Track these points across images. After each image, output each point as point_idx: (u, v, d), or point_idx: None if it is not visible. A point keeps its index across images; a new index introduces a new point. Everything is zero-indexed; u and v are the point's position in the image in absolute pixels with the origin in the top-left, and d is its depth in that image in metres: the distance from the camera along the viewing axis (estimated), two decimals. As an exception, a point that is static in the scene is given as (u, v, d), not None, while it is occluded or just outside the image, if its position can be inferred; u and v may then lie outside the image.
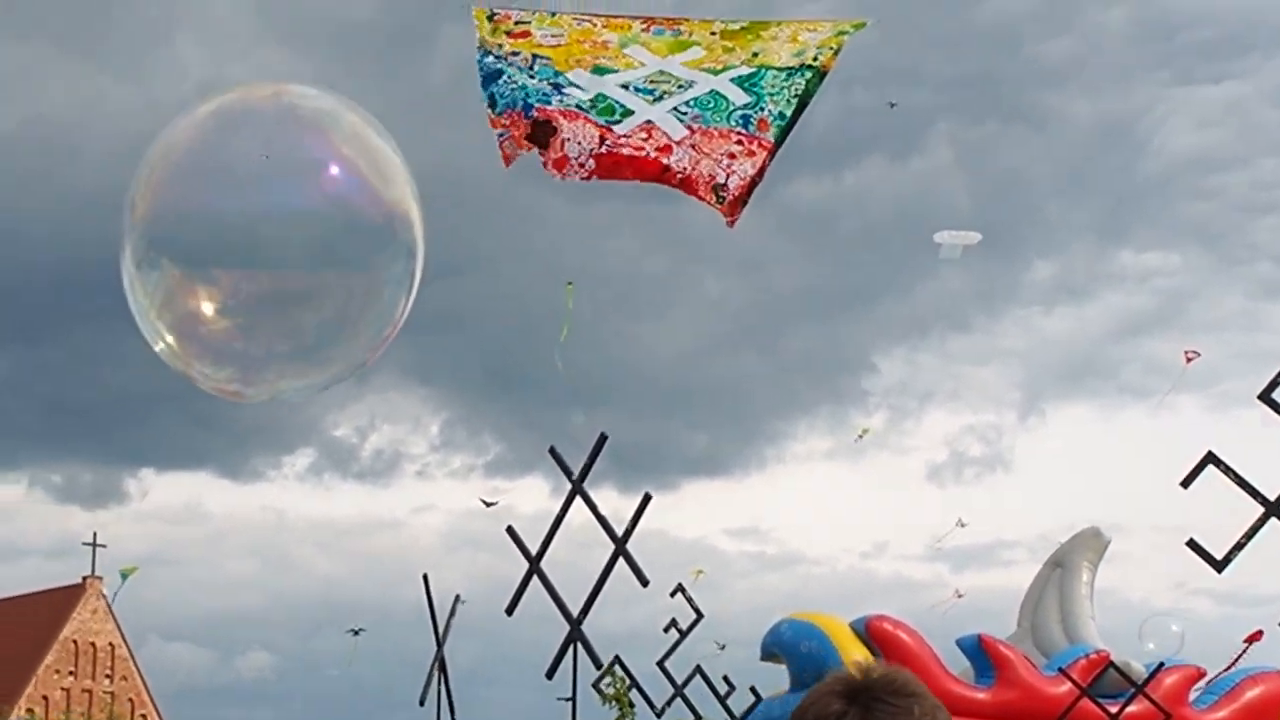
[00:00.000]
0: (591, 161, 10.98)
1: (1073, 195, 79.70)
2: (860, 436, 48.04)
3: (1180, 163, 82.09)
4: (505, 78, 11.15)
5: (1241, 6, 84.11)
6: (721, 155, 10.90)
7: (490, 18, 11.31)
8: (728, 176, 10.86)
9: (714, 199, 10.85)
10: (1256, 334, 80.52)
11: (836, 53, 11.09)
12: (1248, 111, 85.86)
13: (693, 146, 10.97)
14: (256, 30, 78.25)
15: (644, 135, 10.99)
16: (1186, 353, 32.41)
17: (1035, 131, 78.86)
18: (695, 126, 10.97)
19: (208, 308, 6.95)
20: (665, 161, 10.88)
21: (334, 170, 7.10)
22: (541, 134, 11.00)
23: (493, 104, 11.09)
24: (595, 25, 11.33)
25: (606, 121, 10.99)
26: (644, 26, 11.38)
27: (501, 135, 11.04)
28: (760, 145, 10.87)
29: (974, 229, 28.48)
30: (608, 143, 10.93)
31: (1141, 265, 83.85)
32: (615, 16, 11.52)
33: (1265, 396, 15.43)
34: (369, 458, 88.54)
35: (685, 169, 10.87)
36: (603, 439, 20.74)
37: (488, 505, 33.34)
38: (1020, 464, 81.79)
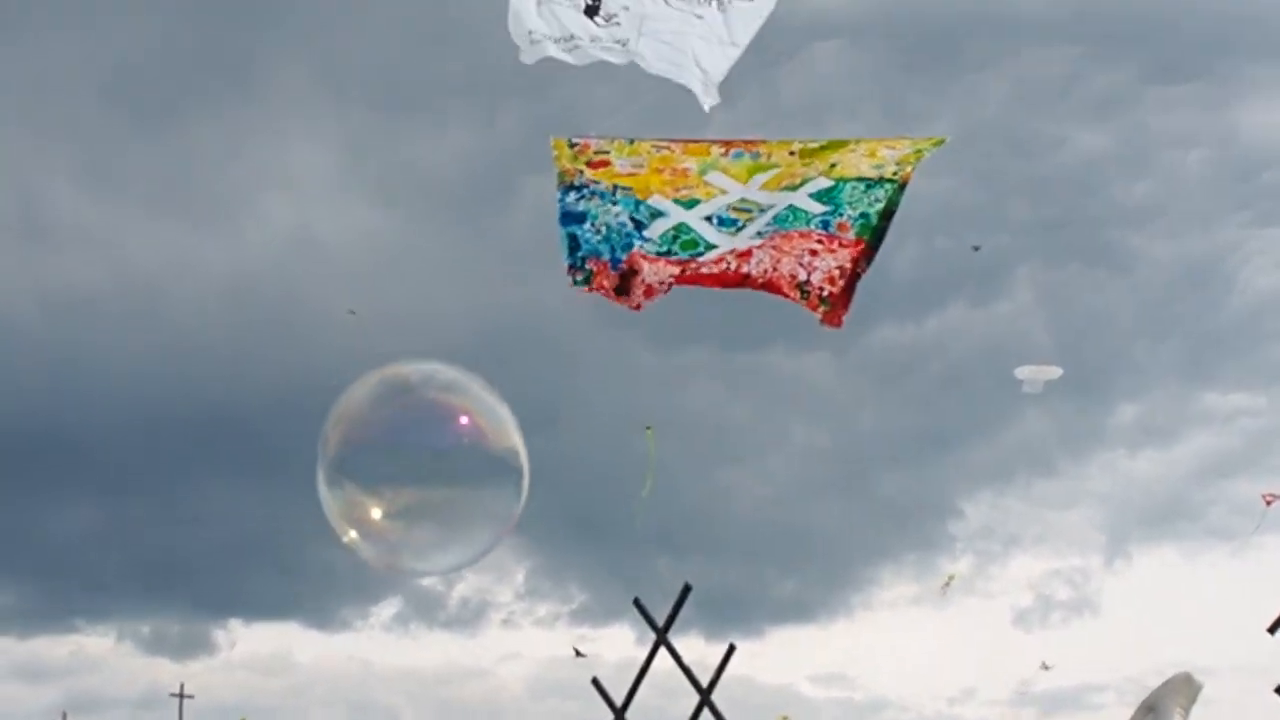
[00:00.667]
0: (671, 281, 11.07)
1: (1156, 337, 79.02)
2: (947, 584, 47.47)
3: (1264, 303, 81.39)
4: (590, 223, 11.25)
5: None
6: (802, 252, 10.94)
7: (571, 145, 11.35)
8: (809, 273, 10.90)
9: (798, 295, 10.91)
10: (1347, 475, 79.21)
11: (915, 166, 11.06)
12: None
13: (773, 248, 11.01)
14: (342, 184, 78.99)
15: (725, 266, 11.06)
16: (1265, 496, 32.09)
17: (1118, 274, 78.39)
18: (774, 231, 11.02)
19: (376, 513, 9.62)
20: (745, 269, 10.95)
21: (462, 419, 9.72)
22: (626, 284, 11.10)
23: (574, 246, 11.19)
24: (674, 151, 11.32)
25: (690, 255, 11.08)
26: (723, 151, 11.37)
27: (577, 284, 11.17)
28: (841, 244, 10.90)
29: (1057, 371, 28.34)
30: (688, 271, 11.02)
31: (1227, 406, 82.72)
32: (694, 141, 11.52)
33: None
34: (455, 606, 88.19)
35: (766, 270, 10.94)
36: (686, 589, 20.70)
37: (579, 655, 33.28)
38: (1107, 607, 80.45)
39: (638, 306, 11.10)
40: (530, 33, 11.40)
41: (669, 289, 11.07)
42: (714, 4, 11.26)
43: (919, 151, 11.31)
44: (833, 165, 11.09)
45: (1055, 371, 27.53)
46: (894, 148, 11.32)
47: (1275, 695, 16.04)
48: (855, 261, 10.92)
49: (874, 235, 11.01)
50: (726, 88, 11.45)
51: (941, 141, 11.32)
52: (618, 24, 11.24)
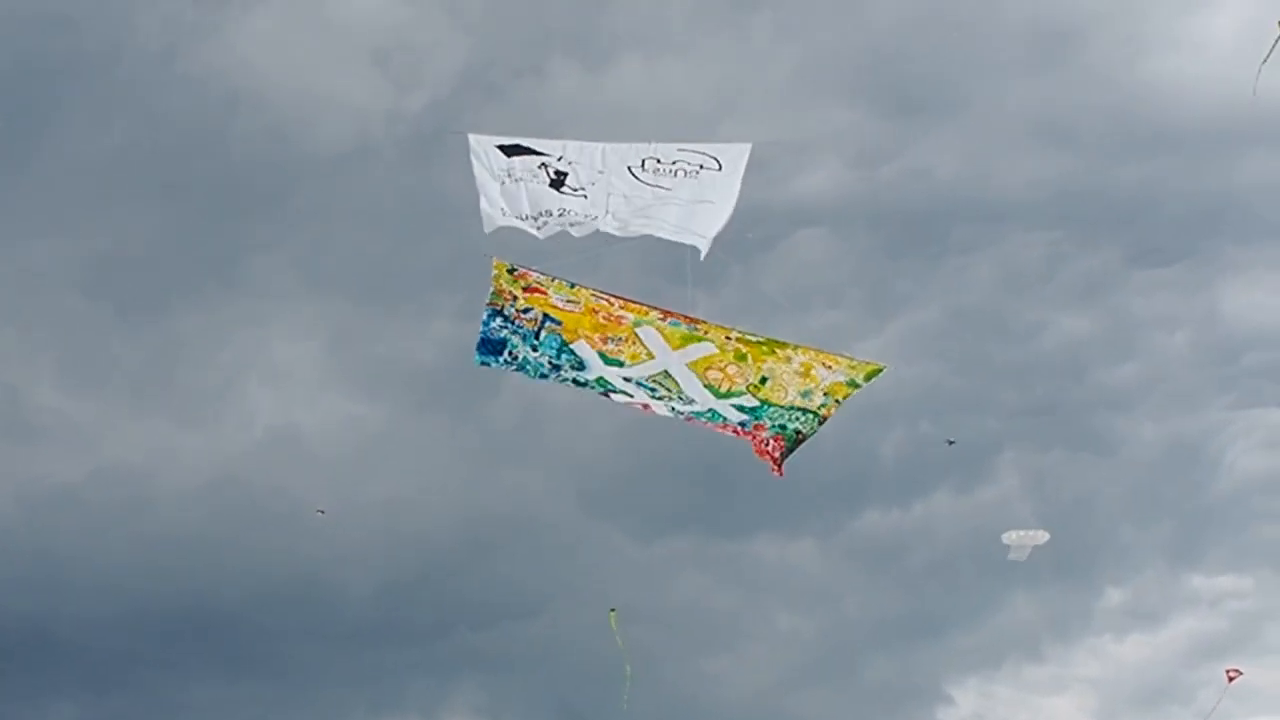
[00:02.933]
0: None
1: (1142, 520, 78.91)
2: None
3: (1250, 485, 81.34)
4: (508, 351, 11.32)
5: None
6: (709, 431, 11.06)
7: (511, 271, 11.35)
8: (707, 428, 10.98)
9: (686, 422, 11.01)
10: (1334, 656, 78.59)
11: (842, 401, 11.08)
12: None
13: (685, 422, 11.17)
14: (325, 376, 79.10)
15: (639, 408, 11.22)
16: (1228, 671, 31.86)
17: (1102, 457, 78.42)
18: (689, 417, 11.17)
19: None
20: (648, 406, 11.06)
21: None
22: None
23: (485, 364, 11.23)
24: (613, 304, 11.33)
25: (604, 391, 11.17)
26: (661, 316, 11.40)
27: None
28: (754, 430, 11.00)
29: (1044, 557, 28.25)
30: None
31: (1214, 589, 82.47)
32: (634, 301, 11.54)
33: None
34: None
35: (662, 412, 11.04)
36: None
37: None
38: (1098, 792, 79.52)
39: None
40: (504, 211, 11.51)
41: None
42: (681, 175, 11.36)
43: (853, 384, 11.34)
44: (763, 380, 11.12)
45: (1043, 537, 27.43)
46: (831, 366, 11.33)
47: None
48: (761, 433, 11.05)
49: (790, 441, 11.15)
50: (708, 276, 11.48)
51: (880, 370, 11.37)
52: (584, 196, 11.33)
